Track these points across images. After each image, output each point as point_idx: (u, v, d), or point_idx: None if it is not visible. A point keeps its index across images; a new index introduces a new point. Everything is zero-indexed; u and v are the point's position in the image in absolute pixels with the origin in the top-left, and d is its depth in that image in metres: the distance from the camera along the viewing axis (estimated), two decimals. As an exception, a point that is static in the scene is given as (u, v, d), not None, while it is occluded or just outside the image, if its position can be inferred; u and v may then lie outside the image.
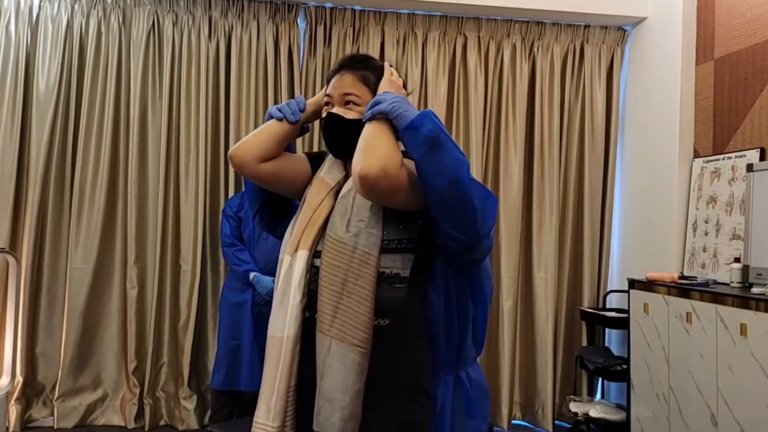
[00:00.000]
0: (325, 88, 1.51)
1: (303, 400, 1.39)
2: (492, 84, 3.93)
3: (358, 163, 1.28)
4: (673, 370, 2.93)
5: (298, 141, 3.70)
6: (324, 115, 1.47)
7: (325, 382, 1.33)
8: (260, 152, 1.46)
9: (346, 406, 1.31)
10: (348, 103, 1.45)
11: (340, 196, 1.44)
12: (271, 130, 1.48)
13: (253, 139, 1.47)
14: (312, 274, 1.41)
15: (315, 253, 1.41)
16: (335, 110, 1.45)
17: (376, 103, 1.35)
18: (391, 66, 1.51)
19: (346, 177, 1.48)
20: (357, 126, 1.40)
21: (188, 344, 3.59)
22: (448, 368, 1.51)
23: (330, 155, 1.53)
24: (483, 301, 1.53)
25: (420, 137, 1.27)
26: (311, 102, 1.53)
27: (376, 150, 1.29)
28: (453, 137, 3.88)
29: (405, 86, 1.53)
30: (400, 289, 1.39)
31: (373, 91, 1.45)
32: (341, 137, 1.43)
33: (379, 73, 1.49)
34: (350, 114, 1.43)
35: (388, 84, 1.44)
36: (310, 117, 1.54)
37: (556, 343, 3.91)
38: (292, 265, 1.41)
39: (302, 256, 1.40)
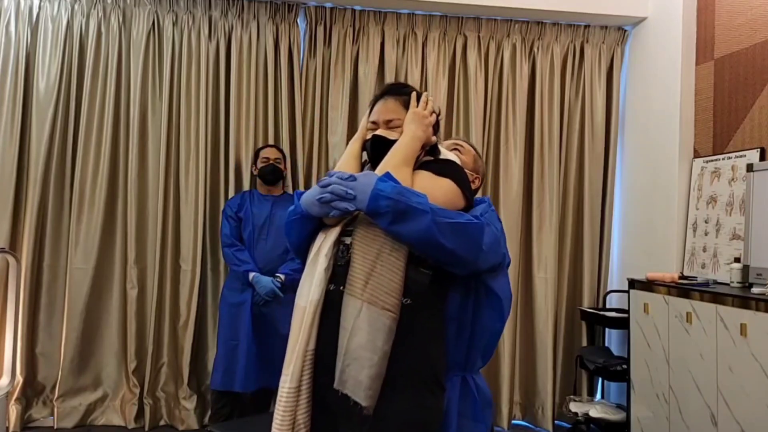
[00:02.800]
0: (368, 114, 1.68)
1: (320, 366, 1.45)
2: (492, 84, 3.93)
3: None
4: (673, 370, 2.93)
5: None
6: (369, 137, 1.64)
7: (354, 342, 1.38)
8: None
9: (374, 365, 1.37)
10: (390, 126, 1.61)
11: None
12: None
13: None
14: (339, 249, 1.50)
15: (344, 232, 1.51)
16: (379, 132, 1.61)
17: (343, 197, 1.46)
18: (424, 93, 1.65)
19: None
20: None
21: (188, 344, 3.59)
22: (456, 369, 1.57)
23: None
24: (500, 313, 1.61)
25: (381, 215, 1.41)
26: (356, 137, 1.70)
27: None
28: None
29: (438, 113, 1.66)
30: (425, 275, 1.47)
31: None
32: (384, 155, 1.55)
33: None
34: (392, 135, 1.59)
35: (413, 119, 1.58)
36: (360, 147, 1.69)
37: (556, 343, 3.91)
38: (324, 241, 1.51)
39: (334, 232, 1.51)
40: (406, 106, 1.61)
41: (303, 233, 1.58)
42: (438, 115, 1.66)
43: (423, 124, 1.58)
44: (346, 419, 1.41)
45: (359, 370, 1.37)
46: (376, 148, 1.59)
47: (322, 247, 1.50)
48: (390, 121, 1.61)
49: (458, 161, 1.68)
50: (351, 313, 1.40)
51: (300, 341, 1.44)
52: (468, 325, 1.56)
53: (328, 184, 1.46)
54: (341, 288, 1.44)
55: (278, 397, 1.45)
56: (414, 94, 1.63)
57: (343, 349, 1.39)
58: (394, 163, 1.50)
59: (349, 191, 1.43)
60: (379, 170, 1.49)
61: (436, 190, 1.48)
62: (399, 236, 1.42)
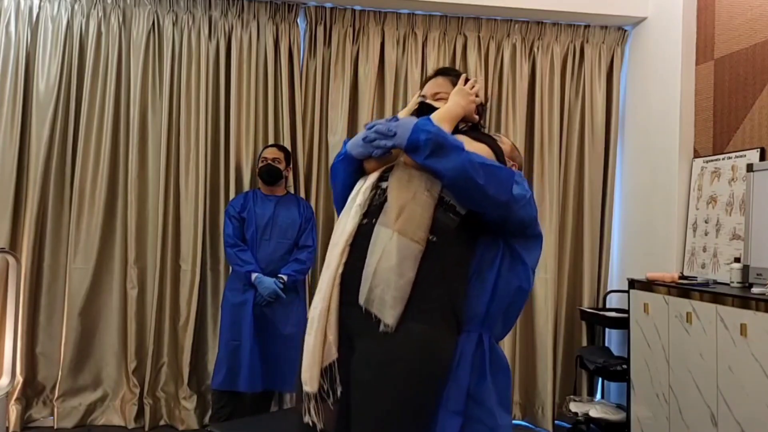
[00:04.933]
0: (420, 91, 1.87)
1: (343, 288, 1.55)
2: (492, 84, 3.93)
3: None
4: (673, 370, 2.93)
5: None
6: (416, 105, 1.81)
7: (383, 265, 1.49)
8: None
9: (399, 288, 1.48)
10: (437, 98, 1.79)
11: None
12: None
13: None
14: (377, 193, 1.63)
15: (381, 178, 1.65)
16: (427, 100, 1.80)
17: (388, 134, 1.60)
18: (471, 80, 1.83)
19: None
20: None
21: (188, 344, 3.59)
22: (476, 322, 1.63)
23: None
24: (525, 278, 1.67)
25: (420, 148, 1.53)
26: (405, 109, 1.85)
27: None
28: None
29: (484, 95, 1.83)
30: (452, 219, 1.60)
31: None
32: None
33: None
34: (437, 104, 1.76)
35: (458, 91, 1.76)
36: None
37: (556, 343, 3.91)
38: (363, 185, 1.67)
39: (372, 177, 1.67)
40: (453, 84, 1.79)
41: (346, 175, 1.72)
42: (484, 104, 1.83)
43: (466, 97, 1.75)
44: (364, 336, 1.51)
45: (386, 291, 1.47)
46: (422, 114, 1.71)
47: (361, 189, 1.65)
48: (436, 93, 1.80)
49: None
50: (383, 239, 1.51)
51: (331, 267, 1.56)
52: (491, 281, 1.64)
53: (374, 125, 1.61)
54: (373, 221, 1.56)
55: (310, 319, 1.56)
56: (463, 76, 1.81)
57: (372, 270, 1.49)
58: (436, 119, 1.62)
59: (392, 128, 1.57)
60: None
61: (471, 151, 1.57)
62: (435, 170, 1.53)
